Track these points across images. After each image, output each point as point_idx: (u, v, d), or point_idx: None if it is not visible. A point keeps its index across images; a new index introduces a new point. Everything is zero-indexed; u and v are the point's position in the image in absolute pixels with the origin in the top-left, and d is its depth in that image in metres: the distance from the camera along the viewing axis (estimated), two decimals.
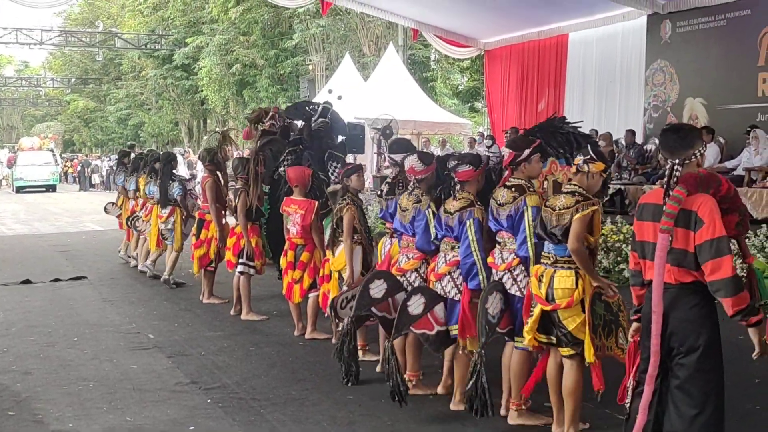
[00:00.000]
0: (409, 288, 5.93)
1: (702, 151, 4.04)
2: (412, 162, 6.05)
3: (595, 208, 4.76)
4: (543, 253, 5.01)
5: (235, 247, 8.86)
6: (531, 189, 5.31)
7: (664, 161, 4.05)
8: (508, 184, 5.38)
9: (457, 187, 5.60)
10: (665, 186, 3.89)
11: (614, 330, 4.91)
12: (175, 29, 45.60)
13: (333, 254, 7.10)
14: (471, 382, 5.28)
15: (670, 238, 3.83)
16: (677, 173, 3.90)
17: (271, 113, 9.65)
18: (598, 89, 18.05)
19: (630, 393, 4.21)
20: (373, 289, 5.89)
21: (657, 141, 12.56)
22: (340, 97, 19.50)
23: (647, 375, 3.98)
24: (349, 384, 6.26)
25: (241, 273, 8.81)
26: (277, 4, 21.06)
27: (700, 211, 3.84)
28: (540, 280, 4.94)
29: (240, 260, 8.80)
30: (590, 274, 4.82)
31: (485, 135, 19.97)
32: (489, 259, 5.43)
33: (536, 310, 4.96)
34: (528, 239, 5.16)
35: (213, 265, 9.66)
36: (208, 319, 8.91)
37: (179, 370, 6.88)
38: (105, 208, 14.16)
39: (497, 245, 5.43)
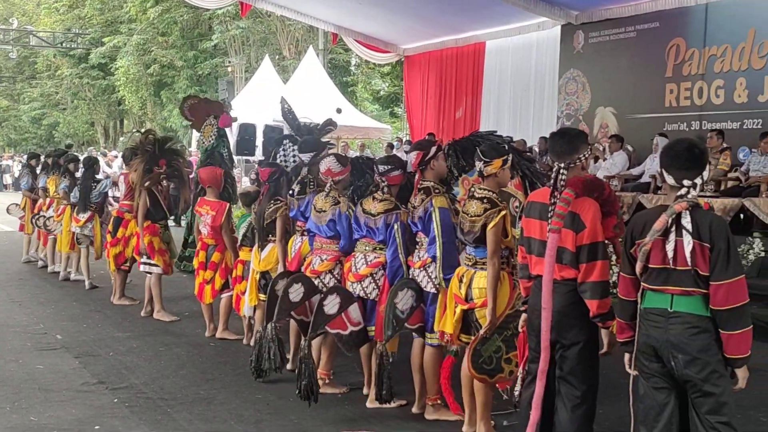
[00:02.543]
0: (324, 289, 5.99)
1: (587, 156, 4.25)
2: (329, 163, 6.12)
3: (504, 213, 4.86)
4: (465, 255, 5.13)
5: (137, 246, 8.88)
6: (437, 191, 5.43)
7: (552, 164, 4.21)
8: (420, 186, 5.50)
9: (385, 189, 5.70)
10: (552, 187, 4.06)
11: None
12: (92, 28, 44.76)
13: (259, 255, 7.09)
14: (378, 379, 5.43)
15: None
16: (563, 176, 4.08)
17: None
18: (513, 97, 18.35)
19: (520, 383, 4.38)
20: (292, 294, 5.93)
21: None
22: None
23: (538, 370, 4.14)
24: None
25: (147, 273, 8.78)
26: (196, 5, 20.85)
27: (583, 214, 4.05)
28: (461, 281, 5.07)
29: (142, 260, 8.80)
30: (489, 289, 4.82)
31: (403, 140, 20.15)
32: (409, 258, 5.57)
33: (458, 311, 5.07)
34: (437, 239, 5.27)
35: (128, 264, 9.57)
36: (118, 320, 8.83)
37: (86, 371, 6.81)
38: (8, 209, 13.95)
39: (417, 245, 5.55)
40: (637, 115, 14.94)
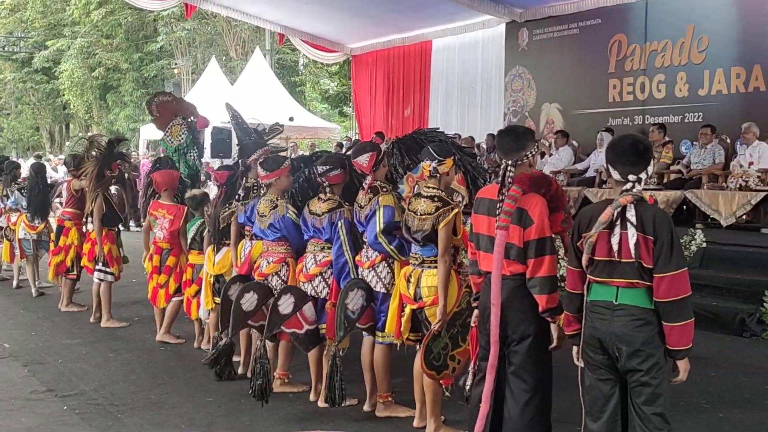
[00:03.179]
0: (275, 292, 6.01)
1: (534, 152, 4.31)
2: (258, 169, 6.16)
3: (456, 211, 4.91)
4: (411, 254, 5.17)
5: (91, 252, 8.76)
6: (385, 189, 5.48)
7: (500, 161, 4.27)
8: (364, 185, 5.53)
9: (327, 190, 5.72)
10: (500, 184, 4.12)
11: (467, 331, 5.11)
12: (35, 31, 43.94)
13: (213, 258, 7.04)
14: (329, 379, 5.45)
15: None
16: (511, 173, 4.14)
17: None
18: (460, 95, 18.49)
19: (471, 378, 4.43)
20: (244, 304, 5.93)
21: None
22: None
23: (488, 364, 4.20)
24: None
25: (101, 280, 8.68)
26: (140, 6, 20.62)
27: (531, 210, 4.11)
28: (408, 281, 5.11)
29: (96, 267, 8.68)
30: (441, 287, 4.88)
31: (352, 140, 20.18)
32: (357, 258, 5.59)
33: (407, 310, 5.11)
34: (378, 235, 5.32)
35: (73, 272, 9.45)
36: (67, 327, 8.72)
37: (35, 378, 6.72)
38: None
39: (363, 244, 5.58)
40: (581, 110, 15.18)
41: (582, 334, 3.84)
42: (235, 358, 6.84)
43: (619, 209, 3.64)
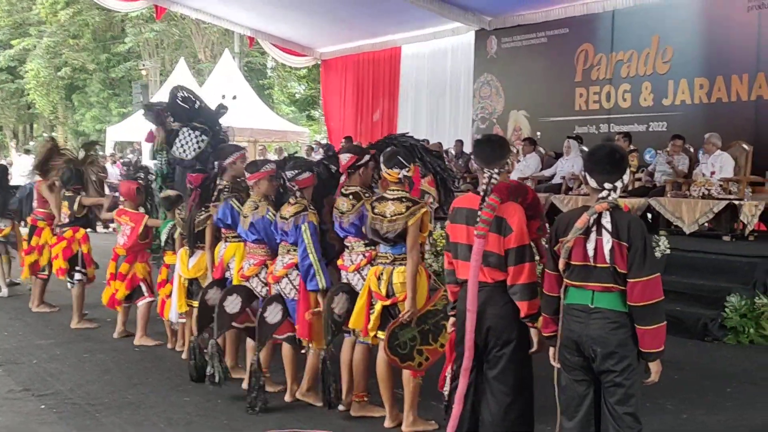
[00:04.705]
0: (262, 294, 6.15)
1: (512, 161, 4.48)
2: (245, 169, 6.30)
3: (425, 210, 5.15)
4: (381, 254, 5.34)
5: (65, 252, 8.75)
6: (368, 196, 5.63)
7: (480, 171, 4.41)
8: (345, 192, 5.66)
9: (297, 193, 5.82)
10: (482, 193, 4.25)
11: (439, 332, 5.27)
12: (0, 30, 43.44)
13: (187, 261, 7.09)
14: (321, 380, 5.63)
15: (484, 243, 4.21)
16: (494, 182, 4.28)
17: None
18: (429, 101, 18.69)
19: (449, 383, 4.57)
20: (228, 306, 6.04)
21: None
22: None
23: (462, 368, 4.34)
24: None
25: (78, 281, 8.73)
26: (108, 7, 20.57)
27: (509, 219, 4.25)
28: (380, 279, 5.27)
29: (76, 268, 8.73)
30: (409, 280, 5.11)
31: (322, 143, 20.26)
32: (339, 262, 5.74)
33: (377, 307, 5.28)
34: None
35: (45, 272, 9.45)
36: (39, 328, 8.73)
37: (10, 378, 6.73)
38: None
39: (345, 249, 5.71)
40: (548, 118, 15.41)
41: (559, 336, 3.98)
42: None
43: (595, 216, 3.79)
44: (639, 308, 3.75)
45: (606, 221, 3.77)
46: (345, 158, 5.68)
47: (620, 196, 4.01)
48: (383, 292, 5.23)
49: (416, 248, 5.13)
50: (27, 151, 23.87)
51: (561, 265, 3.88)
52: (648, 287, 3.74)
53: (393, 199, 5.19)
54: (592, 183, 3.91)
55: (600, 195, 3.86)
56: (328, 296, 5.54)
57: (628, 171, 3.96)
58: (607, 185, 3.84)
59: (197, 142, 7.88)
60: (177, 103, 8.14)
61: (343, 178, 5.75)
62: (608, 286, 3.80)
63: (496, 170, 4.30)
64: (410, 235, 5.10)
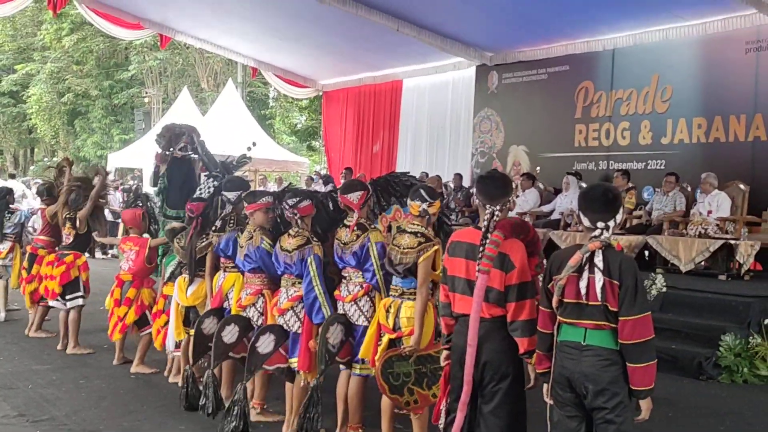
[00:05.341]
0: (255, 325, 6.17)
1: (514, 197, 4.54)
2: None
3: (437, 248, 5.21)
4: (392, 286, 5.42)
5: (63, 276, 8.80)
6: (373, 227, 5.71)
7: (481, 206, 4.47)
8: (347, 223, 5.71)
9: (298, 222, 5.87)
10: (485, 229, 4.30)
11: (435, 381, 5.28)
12: (4, 55, 43.71)
13: (185, 289, 7.11)
14: (305, 410, 5.59)
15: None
16: (497, 218, 4.34)
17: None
18: (429, 134, 18.77)
19: (444, 416, 4.60)
20: (226, 336, 6.08)
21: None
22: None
23: (460, 402, 4.36)
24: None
25: (72, 307, 8.76)
26: (113, 35, 20.74)
27: (512, 255, 4.30)
28: (388, 311, 5.35)
29: (76, 293, 8.77)
30: (417, 317, 5.18)
31: (321, 174, 20.36)
32: (336, 292, 5.77)
33: (384, 339, 5.34)
34: (376, 271, 5.56)
35: (45, 300, 9.45)
36: (35, 353, 8.75)
37: (6, 404, 6.74)
38: None
39: (343, 279, 5.77)
40: (548, 153, 15.49)
41: (552, 373, 4.03)
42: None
43: (587, 254, 3.85)
44: (630, 346, 3.80)
45: (598, 260, 3.83)
46: (356, 197, 5.65)
47: (617, 234, 4.07)
48: (390, 324, 5.30)
49: (426, 285, 5.20)
50: (12, 176, 23.80)
51: (554, 303, 3.94)
52: (638, 325, 3.79)
53: (410, 233, 5.28)
54: (586, 222, 3.99)
55: (593, 234, 3.93)
56: (323, 326, 5.58)
57: (621, 210, 4.03)
58: (600, 224, 3.91)
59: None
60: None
61: (356, 214, 5.66)
62: (600, 324, 3.85)
63: (498, 207, 4.36)
64: (421, 272, 5.17)
